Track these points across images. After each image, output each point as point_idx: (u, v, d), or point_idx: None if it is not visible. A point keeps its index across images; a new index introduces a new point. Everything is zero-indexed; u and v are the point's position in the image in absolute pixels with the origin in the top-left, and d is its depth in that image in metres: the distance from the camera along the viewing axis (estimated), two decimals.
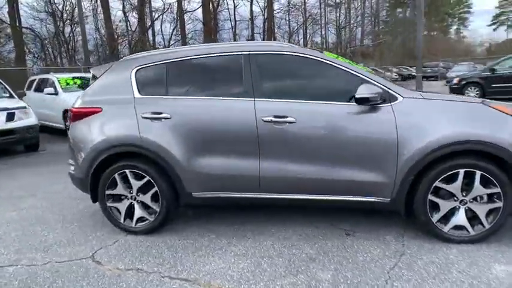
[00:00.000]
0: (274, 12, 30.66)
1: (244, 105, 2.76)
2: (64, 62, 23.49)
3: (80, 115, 3.07)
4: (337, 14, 38.20)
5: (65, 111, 8.24)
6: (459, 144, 2.46)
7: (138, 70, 3.02)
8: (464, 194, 2.54)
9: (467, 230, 2.58)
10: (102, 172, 2.98)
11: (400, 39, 39.16)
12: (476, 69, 17.73)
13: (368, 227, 2.95)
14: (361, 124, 2.60)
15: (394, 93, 2.62)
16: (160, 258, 2.62)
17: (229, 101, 2.81)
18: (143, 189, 2.95)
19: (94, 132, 2.97)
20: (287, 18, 33.65)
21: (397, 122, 2.54)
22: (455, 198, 2.56)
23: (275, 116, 2.68)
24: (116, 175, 2.94)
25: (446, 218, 2.61)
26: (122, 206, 3.02)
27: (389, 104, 2.59)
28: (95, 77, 3.21)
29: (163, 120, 2.85)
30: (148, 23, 23.64)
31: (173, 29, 26.20)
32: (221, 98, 2.83)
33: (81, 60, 21.12)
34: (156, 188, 2.90)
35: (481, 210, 2.54)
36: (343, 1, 37.64)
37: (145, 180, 2.91)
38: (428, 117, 2.55)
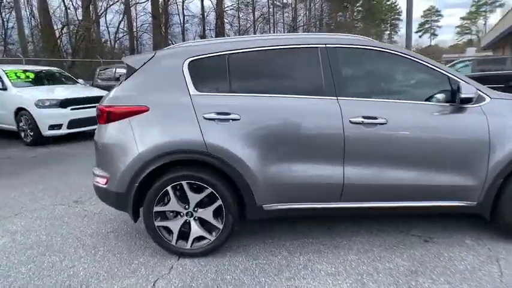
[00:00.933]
0: (226, 8, 30.11)
1: (327, 105, 2.45)
2: None
3: (117, 115, 2.48)
4: (285, 15, 38.91)
5: (18, 110, 7.03)
6: None
7: (191, 61, 2.54)
8: None
9: None
10: (147, 185, 2.45)
11: None
12: None
13: (440, 232, 2.84)
14: (454, 125, 2.47)
15: (482, 94, 2.53)
16: (244, 286, 2.21)
17: (309, 100, 2.48)
18: (203, 204, 2.49)
19: (140, 137, 2.42)
20: (239, 16, 33.31)
21: (489, 123, 2.45)
22: None
23: (364, 117, 2.42)
24: (169, 188, 2.44)
25: None
26: (174, 225, 2.52)
27: (478, 104, 2.50)
28: (130, 69, 2.63)
29: (231, 121, 2.42)
30: (94, 12, 21.49)
31: (120, 21, 24.26)
32: (298, 96, 2.49)
33: (12, 50, 18.44)
34: (220, 202, 2.46)
35: None
36: (290, 2, 38.43)
37: (206, 192, 2.45)
38: None
